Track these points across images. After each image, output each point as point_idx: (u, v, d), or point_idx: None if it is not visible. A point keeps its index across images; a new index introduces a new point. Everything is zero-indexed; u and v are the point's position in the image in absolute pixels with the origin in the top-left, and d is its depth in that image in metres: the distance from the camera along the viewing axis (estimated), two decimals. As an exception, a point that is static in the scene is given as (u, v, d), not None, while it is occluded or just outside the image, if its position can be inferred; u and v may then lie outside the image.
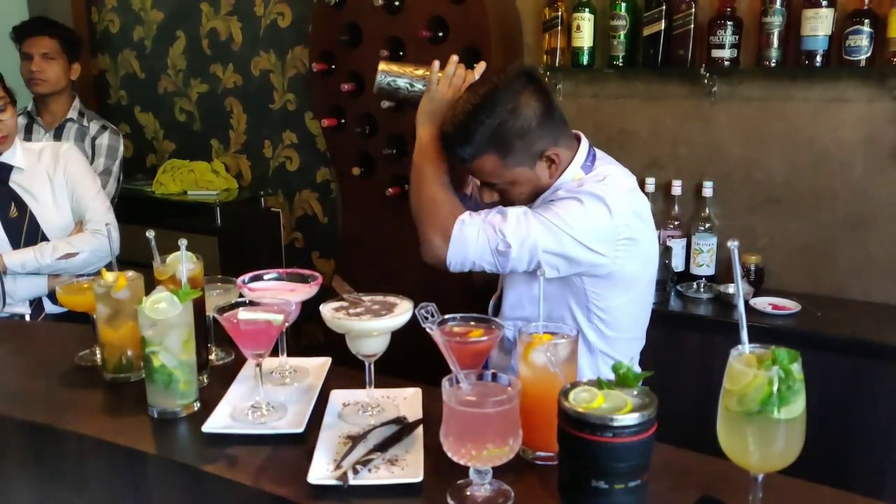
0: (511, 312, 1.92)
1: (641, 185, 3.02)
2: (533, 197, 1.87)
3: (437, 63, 1.93)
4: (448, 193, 1.87)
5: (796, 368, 1.04)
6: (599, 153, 1.93)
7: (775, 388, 1.03)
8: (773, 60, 2.71)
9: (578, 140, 1.89)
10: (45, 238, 2.57)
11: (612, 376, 1.15)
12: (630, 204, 1.81)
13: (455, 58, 1.93)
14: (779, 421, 1.04)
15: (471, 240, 1.77)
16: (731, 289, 2.79)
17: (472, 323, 1.46)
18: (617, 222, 1.76)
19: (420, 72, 1.97)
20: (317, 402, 1.53)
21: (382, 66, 2.00)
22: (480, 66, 1.99)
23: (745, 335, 1.10)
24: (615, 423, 1.04)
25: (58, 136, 3.38)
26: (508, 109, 1.75)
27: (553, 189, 1.84)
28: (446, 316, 1.43)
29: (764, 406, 1.04)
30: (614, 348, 1.88)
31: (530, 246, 1.74)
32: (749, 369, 1.05)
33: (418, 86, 1.96)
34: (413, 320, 1.39)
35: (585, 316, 1.86)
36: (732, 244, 1.14)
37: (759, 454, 1.07)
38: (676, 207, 3.03)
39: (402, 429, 1.39)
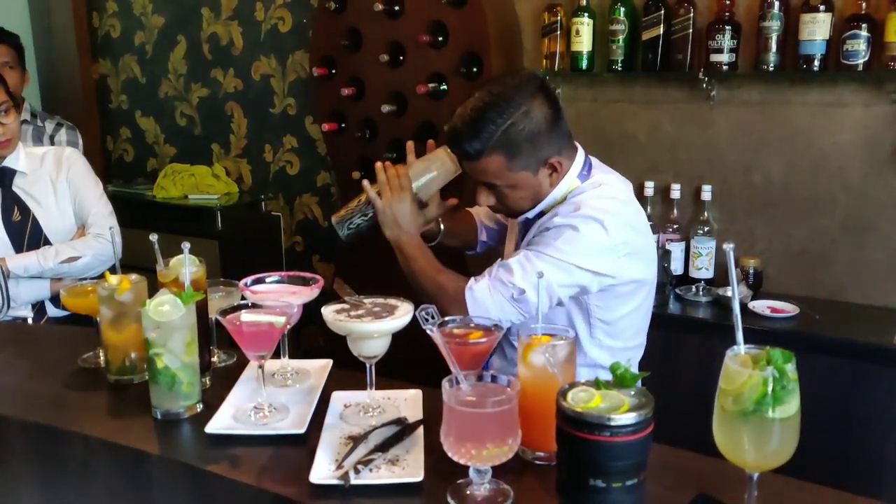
0: (516, 327, 1.93)
1: (641, 188, 3.04)
2: (531, 204, 1.89)
3: (365, 183, 2.00)
4: (445, 273, 1.91)
5: (790, 368, 1.06)
6: (596, 162, 1.94)
7: (770, 387, 1.05)
8: (772, 65, 2.73)
9: (576, 149, 1.91)
10: (47, 242, 2.58)
11: None
12: (626, 218, 1.83)
13: (379, 165, 1.98)
14: (773, 420, 1.06)
15: (486, 300, 1.80)
16: (729, 291, 2.80)
17: (472, 325, 1.47)
18: (616, 241, 1.78)
19: (362, 198, 2.02)
20: (318, 403, 1.54)
21: (333, 220, 2.08)
22: (410, 148, 2.05)
23: (740, 336, 1.11)
24: (612, 423, 1.06)
25: None
26: (521, 112, 1.76)
27: (550, 214, 1.86)
28: (447, 318, 1.45)
29: (759, 405, 1.05)
30: (617, 357, 1.88)
31: (545, 286, 1.75)
32: (744, 369, 1.07)
33: (370, 211, 2.01)
34: (414, 322, 1.40)
35: (588, 331, 1.88)
36: (728, 246, 1.16)
37: (754, 453, 1.08)
38: (675, 211, 3.04)
39: (403, 429, 1.40)
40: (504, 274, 1.80)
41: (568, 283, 1.78)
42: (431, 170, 1.98)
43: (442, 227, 2.13)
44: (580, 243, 1.76)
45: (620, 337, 1.91)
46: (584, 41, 3.02)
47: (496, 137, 1.77)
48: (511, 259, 1.82)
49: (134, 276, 1.70)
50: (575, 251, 1.76)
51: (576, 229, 1.77)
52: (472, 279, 1.84)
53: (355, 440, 1.37)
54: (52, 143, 3.40)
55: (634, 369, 1.92)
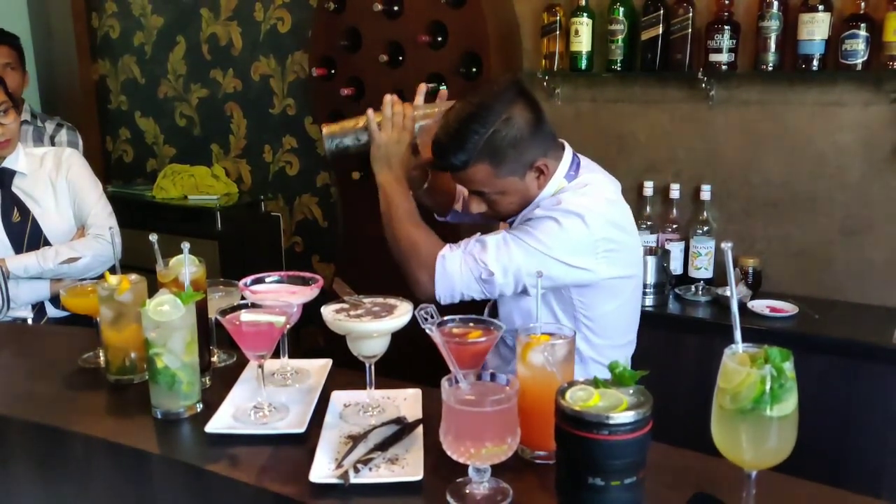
0: (503, 324, 1.94)
1: (640, 188, 3.05)
2: (521, 207, 1.90)
3: (370, 111, 1.97)
4: (423, 230, 1.91)
5: (788, 367, 1.06)
6: (584, 160, 1.95)
7: (768, 386, 1.05)
8: (771, 64, 2.73)
9: (562, 148, 1.92)
10: (47, 243, 2.58)
11: None
12: (609, 215, 1.83)
13: (388, 98, 1.96)
14: (771, 418, 1.06)
15: (455, 273, 1.82)
16: (728, 291, 2.80)
17: (471, 324, 1.47)
18: (595, 237, 1.79)
19: (361, 123, 1.99)
20: (318, 402, 1.55)
21: (324, 131, 2.02)
22: (421, 90, 2.02)
23: (738, 334, 1.12)
24: (611, 421, 1.06)
25: None
26: (502, 119, 1.78)
27: (532, 206, 1.87)
28: (445, 317, 1.45)
29: (757, 404, 1.05)
30: (605, 356, 1.90)
31: (514, 271, 1.78)
32: (742, 368, 1.07)
33: (364, 138, 1.98)
34: (413, 322, 1.41)
35: (573, 325, 1.88)
36: (726, 245, 1.16)
37: (752, 451, 1.09)
38: (675, 211, 3.05)
39: (403, 429, 1.41)
40: (479, 251, 1.81)
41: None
42: (436, 117, 1.95)
43: (430, 176, 2.12)
44: (559, 236, 1.77)
45: (606, 334, 1.91)
46: (583, 41, 3.02)
47: (480, 147, 1.78)
48: (489, 236, 1.83)
49: (134, 277, 1.71)
50: (553, 243, 1.77)
51: (557, 222, 1.78)
52: (448, 247, 1.85)
53: (355, 439, 1.37)
54: (53, 144, 3.40)
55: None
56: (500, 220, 2.04)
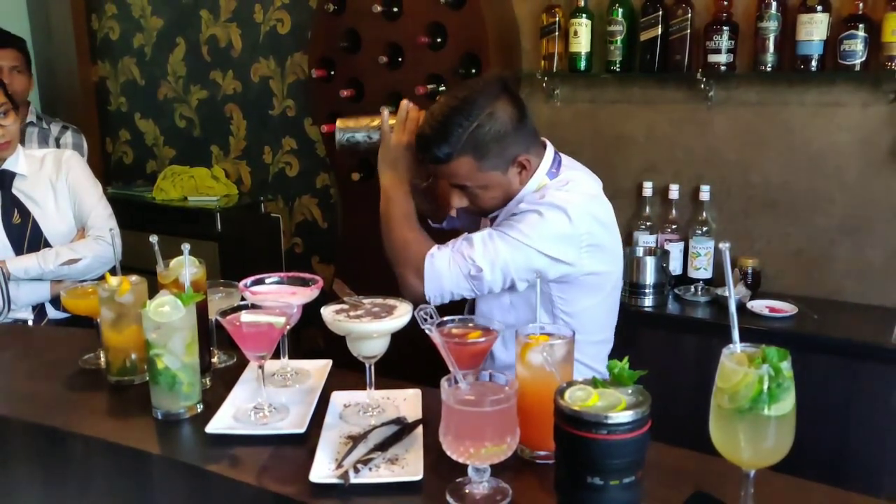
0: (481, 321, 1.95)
1: (639, 189, 3.06)
2: (503, 202, 1.91)
3: (385, 112, 1.99)
4: (416, 231, 1.92)
5: (786, 366, 1.06)
6: (566, 159, 1.98)
7: (765, 385, 1.05)
8: (769, 65, 2.73)
9: (544, 146, 1.93)
10: (47, 244, 2.59)
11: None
12: (591, 210, 1.86)
13: (405, 103, 1.98)
14: (769, 418, 1.06)
15: (443, 271, 1.82)
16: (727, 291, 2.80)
17: (471, 325, 1.48)
18: (579, 230, 1.81)
19: (375, 122, 2.01)
20: (318, 403, 1.55)
21: (339, 123, 2.04)
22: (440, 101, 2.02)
23: (736, 334, 1.12)
24: (610, 421, 1.06)
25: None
26: (486, 114, 1.80)
27: (516, 201, 1.89)
28: (445, 318, 1.46)
29: (754, 403, 1.06)
30: (582, 351, 1.90)
31: (502, 266, 1.79)
32: (740, 367, 1.07)
33: (375, 136, 2.01)
34: (412, 322, 1.41)
35: (551, 320, 1.90)
36: (724, 245, 1.17)
37: (750, 451, 1.09)
38: (674, 211, 3.05)
39: (402, 429, 1.41)
40: (466, 248, 1.82)
41: (525, 266, 1.80)
42: None
43: (432, 178, 2.12)
44: (542, 228, 1.79)
45: (583, 329, 1.91)
46: (582, 42, 3.03)
47: (464, 140, 1.80)
48: (475, 234, 1.85)
49: (134, 278, 1.71)
50: (537, 235, 1.79)
51: (540, 214, 1.80)
52: (436, 247, 1.86)
53: (355, 439, 1.37)
54: (58, 146, 3.41)
55: (602, 364, 1.95)
56: (483, 216, 2.06)
